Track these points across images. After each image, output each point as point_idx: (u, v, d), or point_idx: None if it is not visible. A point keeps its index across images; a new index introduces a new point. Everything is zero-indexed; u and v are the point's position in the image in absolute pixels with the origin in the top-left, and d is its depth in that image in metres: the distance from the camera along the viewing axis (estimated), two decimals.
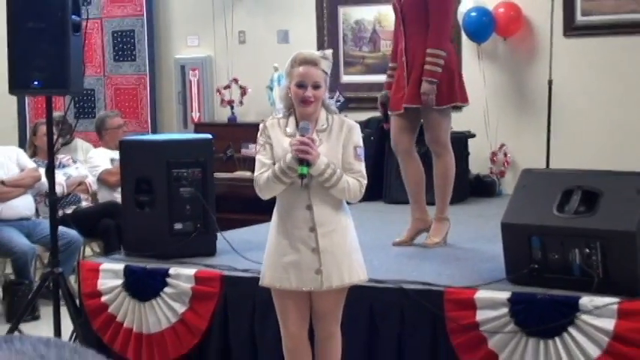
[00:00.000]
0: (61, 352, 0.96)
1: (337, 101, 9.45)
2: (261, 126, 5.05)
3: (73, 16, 6.31)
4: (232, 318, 6.04)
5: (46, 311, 7.37)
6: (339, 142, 4.94)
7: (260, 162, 4.94)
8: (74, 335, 6.41)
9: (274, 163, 4.88)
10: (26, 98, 10.86)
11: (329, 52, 5.16)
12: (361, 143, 5.07)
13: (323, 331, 5.12)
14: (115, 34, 11.12)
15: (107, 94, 11.17)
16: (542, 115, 8.88)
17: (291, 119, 4.97)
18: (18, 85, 6.56)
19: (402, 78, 6.78)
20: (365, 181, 4.98)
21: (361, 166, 4.99)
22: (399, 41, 6.87)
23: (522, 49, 9.44)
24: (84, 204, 9.03)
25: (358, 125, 5.12)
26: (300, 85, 4.85)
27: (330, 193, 4.90)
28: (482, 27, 9.31)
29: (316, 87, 4.86)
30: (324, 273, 4.89)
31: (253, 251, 6.36)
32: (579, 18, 9.21)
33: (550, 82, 8.85)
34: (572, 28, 9.22)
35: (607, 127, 8.99)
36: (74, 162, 9.25)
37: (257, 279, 5.83)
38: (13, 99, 10.45)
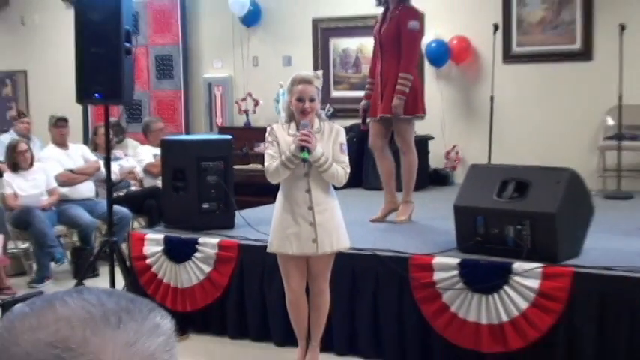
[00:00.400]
0: (119, 299, 0.95)
1: (328, 111, 9.47)
2: (268, 129, 5.18)
3: (126, 44, 6.31)
4: (246, 277, 6.05)
5: (103, 270, 7.38)
6: (330, 141, 5.06)
7: (269, 155, 5.05)
8: (125, 289, 6.42)
9: (280, 157, 4.99)
10: (89, 107, 10.83)
11: (320, 72, 5.29)
12: (345, 142, 5.19)
13: (316, 287, 5.20)
14: (158, 58, 11.11)
15: (151, 104, 11.17)
16: (485, 123, 8.89)
17: (292, 124, 5.07)
18: (83, 96, 6.57)
19: (377, 92, 6.82)
20: (349, 170, 5.10)
21: (346, 159, 5.10)
22: (377, 63, 6.90)
23: (471, 72, 9.45)
24: (133, 188, 9.03)
25: (343, 129, 5.27)
26: (300, 100, 4.98)
27: (323, 180, 5.02)
28: (440, 55, 9.33)
29: (312, 100, 5.00)
30: (319, 242, 5.00)
31: (263, 225, 6.34)
32: (515, 49, 9.23)
33: (492, 98, 8.86)
34: (509, 57, 9.24)
35: (535, 132, 9.00)
36: (126, 156, 9.24)
37: (266, 247, 5.91)
38: (80, 107, 10.44)
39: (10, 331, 0.92)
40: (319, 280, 5.19)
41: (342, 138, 5.16)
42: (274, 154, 5.03)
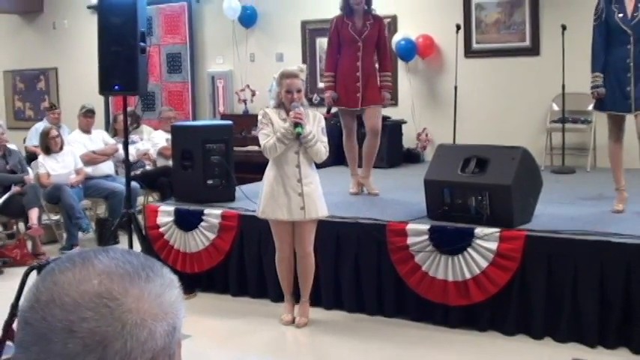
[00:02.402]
0: (139, 258, 0.97)
1: (316, 100, 9.39)
2: (261, 112, 5.20)
3: (141, 43, 6.25)
4: (246, 243, 6.00)
5: (123, 238, 7.30)
6: (314, 124, 5.13)
7: (264, 135, 5.08)
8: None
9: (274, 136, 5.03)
10: (110, 98, 10.76)
11: (304, 65, 5.38)
12: (324, 125, 5.25)
13: (302, 250, 5.22)
14: (168, 55, 11.02)
15: (163, 95, 11.10)
16: (450, 109, 8.84)
17: (282, 110, 5.11)
18: (104, 88, 6.50)
19: (354, 86, 6.67)
20: (327, 148, 5.16)
21: (325, 139, 5.16)
22: (352, 61, 6.73)
23: (435, 66, 9.38)
24: (147, 168, 8.98)
25: (322, 116, 5.34)
26: (289, 92, 5.05)
27: (309, 157, 5.09)
28: (408, 51, 9.26)
29: (299, 91, 5.09)
30: (306, 209, 5.08)
31: (259, 198, 6.32)
32: (474, 45, 9.18)
33: (455, 87, 8.80)
34: (470, 52, 9.18)
35: (493, 116, 8.97)
36: (141, 140, 9.20)
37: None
38: (102, 98, 10.36)
39: (56, 284, 0.92)
40: (305, 244, 5.19)
41: (323, 122, 5.23)
42: (269, 133, 5.05)
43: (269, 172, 5.18)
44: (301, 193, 5.06)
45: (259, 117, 5.17)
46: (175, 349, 0.95)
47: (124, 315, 0.90)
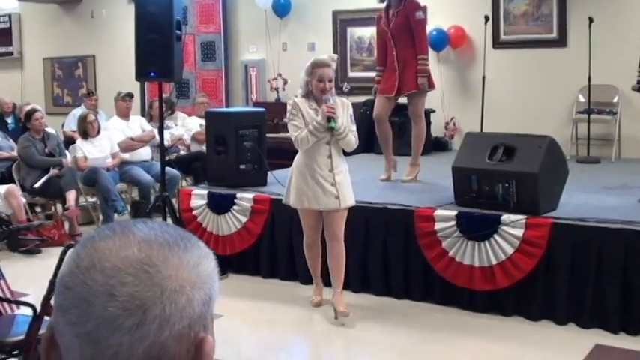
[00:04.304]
0: (175, 230, 0.97)
1: (346, 88, 9.37)
2: (291, 102, 5.03)
3: (177, 31, 6.30)
4: (277, 226, 6.02)
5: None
6: (344, 113, 4.97)
7: (294, 126, 4.94)
8: None
9: (304, 127, 4.90)
10: (146, 84, 10.82)
11: (335, 55, 5.20)
12: (352, 112, 5.10)
13: (334, 237, 5.07)
14: (203, 44, 11.04)
15: (197, 82, 11.13)
16: (478, 98, 8.79)
17: (311, 99, 4.96)
18: (141, 74, 6.56)
19: (393, 75, 6.67)
20: (357, 137, 5.04)
21: (355, 127, 5.05)
22: (390, 51, 6.73)
23: (465, 56, 9.33)
24: (182, 153, 9.03)
25: (349, 102, 5.17)
26: (320, 80, 4.87)
27: (339, 147, 4.98)
28: (440, 41, 9.22)
29: (330, 81, 4.92)
30: (340, 198, 4.97)
31: None
32: (502, 37, 9.12)
33: (484, 77, 8.75)
34: (498, 43, 9.12)
35: (520, 106, 8.91)
36: (176, 126, 9.24)
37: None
38: (138, 85, 10.42)
39: (97, 250, 0.92)
40: (337, 230, 5.06)
41: (351, 110, 5.08)
42: (300, 124, 4.91)
43: (299, 162, 5.05)
44: (334, 182, 4.95)
45: (288, 107, 5.02)
46: (210, 321, 0.96)
47: (163, 281, 0.90)
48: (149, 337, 0.89)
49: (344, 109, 4.99)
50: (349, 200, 5.03)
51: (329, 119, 4.82)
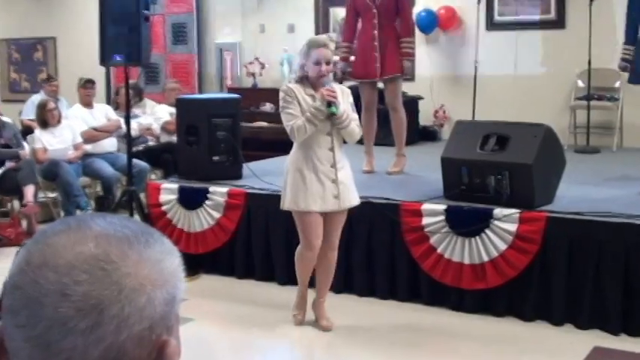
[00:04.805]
0: (138, 224, 0.98)
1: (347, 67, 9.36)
2: (284, 89, 4.77)
3: (145, 11, 6.30)
4: (253, 222, 6.02)
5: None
6: (343, 101, 4.73)
7: (290, 115, 4.67)
8: None
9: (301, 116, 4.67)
10: (111, 69, 10.78)
11: (334, 34, 5.06)
12: (352, 100, 4.90)
13: (330, 243, 4.87)
14: (174, 25, 11.04)
15: (167, 67, 11.12)
16: (469, 84, 8.83)
17: (307, 85, 4.72)
18: (105, 59, 6.56)
19: (372, 56, 6.70)
20: (360, 127, 4.88)
21: (356, 116, 4.87)
22: (368, 30, 6.76)
23: (456, 39, 9.37)
24: (150, 143, 9.01)
25: (350, 90, 4.96)
26: (317, 63, 4.62)
27: (341, 138, 4.76)
28: (429, 23, 9.25)
29: (328, 63, 4.69)
30: (341, 198, 4.74)
31: (267, 176, 6.35)
32: (496, 17, 9.16)
33: (476, 62, 8.79)
34: (492, 25, 9.16)
35: (514, 92, 8.95)
36: (144, 114, 9.23)
37: (270, 195, 5.88)
38: (103, 70, 10.38)
39: (50, 246, 0.91)
40: (333, 236, 4.87)
41: (351, 98, 4.87)
42: (296, 112, 4.65)
43: (296, 157, 4.76)
44: (335, 179, 4.70)
45: (281, 94, 4.75)
46: (174, 322, 0.95)
47: (121, 279, 0.89)
48: (105, 340, 0.88)
49: (344, 98, 4.76)
50: (350, 201, 4.81)
51: (329, 104, 4.59)
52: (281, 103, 4.76)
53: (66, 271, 0.89)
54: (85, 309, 0.87)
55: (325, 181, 4.69)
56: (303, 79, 4.73)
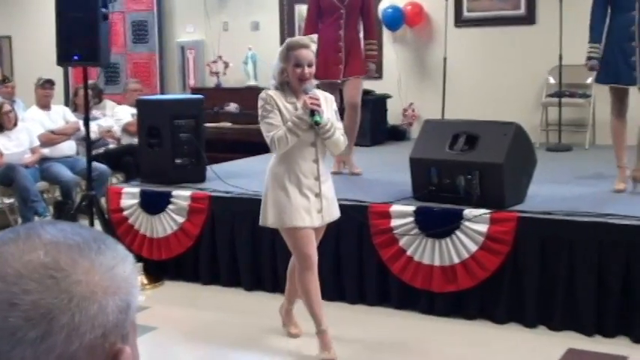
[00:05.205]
0: (90, 231, 0.98)
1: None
2: (263, 96, 4.43)
3: (103, 9, 6.25)
4: (217, 226, 6.00)
5: (83, 223, 7.28)
6: (326, 109, 4.44)
7: (270, 124, 4.37)
8: None
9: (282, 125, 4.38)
10: (69, 69, 10.70)
11: (315, 36, 4.77)
12: (336, 108, 4.65)
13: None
14: (134, 23, 11.00)
15: (128, 67, 11.07)
16: (438, 82, 8.87)
17: (288, 92, 4.44)
18: (63, 59, 6.49)
19: (336, 56, 6.70)
20: (345, 136, 4.59)
21: (341, 125, 4.59)
22: (334, 30, 6.75)
23: (424, 36, 9.42)
24: (111, 146, 8.95)
25: (333, 97, 4.72)
26: (298, 65, 4.37)
27: (325, 149, 4.51)
28: (395, 20, 9.29)
29: (310, 65, 4.41)
30: (323, 212, 4.50)
31: (232, 178, 6.35)
32: (465, 14, 9.21)
33: (445, 59, 8.83)
34: (460, 21, 9.21)
35: (485, 90, 9.01)
36: (104, 116, 9.17)
37: (235, 198, 5.87)
38: (61, 70, 10.30)
39: None
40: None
41: (335, 105, 4.63)
42: (277, 122, 4.35)
43: (277, 170, 4.48)
44: (319, 193, 4.47)
45: (260, 102, 4.44)
46: (130, 330, 0.96)
47: (71, 287, 0.90)
48: (56, 350, 0.88)
49: (327, 105, 4.49)
50: (333, 214, 4.62)
51: (312, 113, 4.30)
52: (260, 111, 4.46)
53: (14, 280, 0.89)
54: (35, 318, 0.88)
55: (309, 195, 4.44)
56: (284, 86, 4.46)
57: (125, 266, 0.97)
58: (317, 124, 4.32)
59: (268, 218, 4.54)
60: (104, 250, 0.95)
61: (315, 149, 4.46)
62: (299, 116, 4.33)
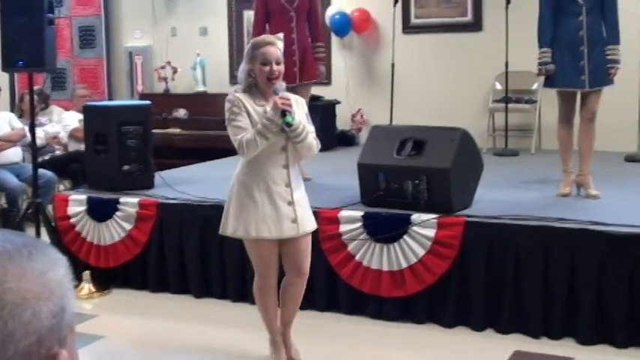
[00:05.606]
0: (22, 237, 0.98)
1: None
2: (230, 98, 4.18)
3: (49, 14, 6.19)
4: (165, 233, 5.95)
5: (29, 231, 7.17)
6: (298, 112, 4.18)
7: (238, 127, 4.11)
8: None
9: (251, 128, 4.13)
10: (15, 75, 10.56)
11: (281, 34, 4.49)
12: (307, 110, 4.40)
13: (298, 272, 4.40)
14: (81, 28, 10.89)
15: (75, 72, 10.96)
16: (387, 88, 8.92)
17: (256, 94, 4.19)
18: (8, 64, 6.44)
19: (291, 60, 6.68)
20: (318, 140, 4.31)
21: (313, 128, 4.30)
22: (287, 33, 6.75)
23: (372, 42, 9.47)
24: (57, 153, 8.85)
25: (304, 100, 4.53)
26: (265, 63, 4.12)
27: (296, 154, 4.25)
28: (343, 26, 9.34)
29: (278, 63, 4.17)
30: (299, 221, 4.22)
31: (180, 185, 6.32)
32: (413, 20, 9.28)
33: (393, 65, 8.88)
34: (408, 27, 9.28)
35: (432, 96, 9.09)
36: (50, 122, 9.06)
37: (183, 205, 5.83)
38: (6, 75, 10.15)
39: None
40: (302, 263, 4.37)
41: (306, 108, 4.38)
42: (245, 125, 4.09)
43: (245, 176, 4.21)
44: (291, 201, 4.18)
45: (227, 105, 4.18)
46: (67, 333, 0.95)
47: (3, 295, 0.90)
48: None
49: (298, 107, 4.24)
50: (309, 224, 4.32)
51: (283, 113, 4.04)
52: (227, 114, 4.18)
53: None
54: None
55: (280, 203, 4.16)
56: (252, 88, 4.20)
57: (58, 270, 0.96)
58: (288, 125, 4.06)
59: (231, 228, 4.25)
60: (35, 255, 0.95)
61: (286, 154, 4.19)
62: (269, 117, 4.06)
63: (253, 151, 4.09)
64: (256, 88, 4.20)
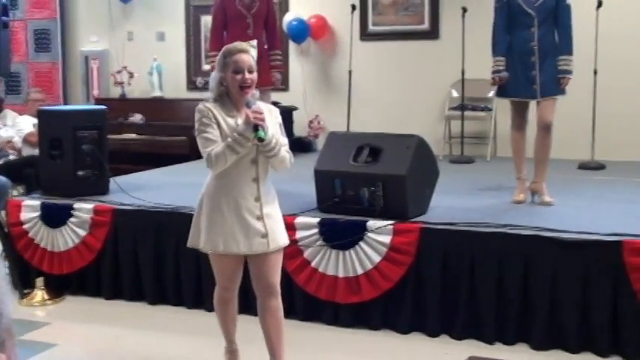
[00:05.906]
0: None
1: (200, 84, 9.33)
2: (201, 108, 3.95)
3: (3, 17, 6.13)
4: (120, 240, 5.90)
5: None
6: (270, 123, 3.97)
7: (207, 139, 3.90)
8: (2, 253, 6.24)
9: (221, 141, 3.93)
10: None
11: (255, 42, 4.29)
12: (281, 121, 4.14)
13: (268, 290, 4.20)
14: (36, 32, 10.80)
15: (29, 76, 10.85)
16: (344, 94, 8.95)
17: (229, 105, 3.99)
18: None
19: None
20: (291, 153, 4.11)
21: (286, 140, 4.09)
22: (245, 39, 6.73)
23: (329, 48, 9.51)
24: (11, 157, 8.73)
25: (278, 110, 4.19)
26: (237, 72, 3.93)
27: (268, 167, 4.04)
28: (300, 32, 9.36)
29: (251, 71, 3.97)
30: (269, 237, 4.03)
31: (136, 191, 6.28)
32: (371, 27, 9.33)
33: (350, 72, 8.92)
34: (366, 34, 9.32)
35: (389, 103, 9.14)
36: (4, 126, 8.93)
37: (138, 211, 5.79)
38: None
39: None
40: (271, 282, 4.17)
41: (280, 119, 4.12)
42: (214, 137, 3.89)
43: (213, 190, 4.02)
44: (261, 216, 4.00)
45: (197, 115, 3.95)
46: (5, 337, 0.95)
47: None
48: None
49: (271, 119, 4.03)
50: (281, 239, 4.12)
51: (255, 128, 3.83)
52: (197, 125, 3.97)
53: None
54: None
55: (249, 218, 3.98)
56: (224, 98, 4.00)
57: None
58: (260, 140, 3.84)
59: (200, 241, 4.09)
60: None
61: (256, 167, 3.99)
62: (240, 132, 3.85)
63: (222, 165, 3.90)
64: (228, 97, 4.01)
